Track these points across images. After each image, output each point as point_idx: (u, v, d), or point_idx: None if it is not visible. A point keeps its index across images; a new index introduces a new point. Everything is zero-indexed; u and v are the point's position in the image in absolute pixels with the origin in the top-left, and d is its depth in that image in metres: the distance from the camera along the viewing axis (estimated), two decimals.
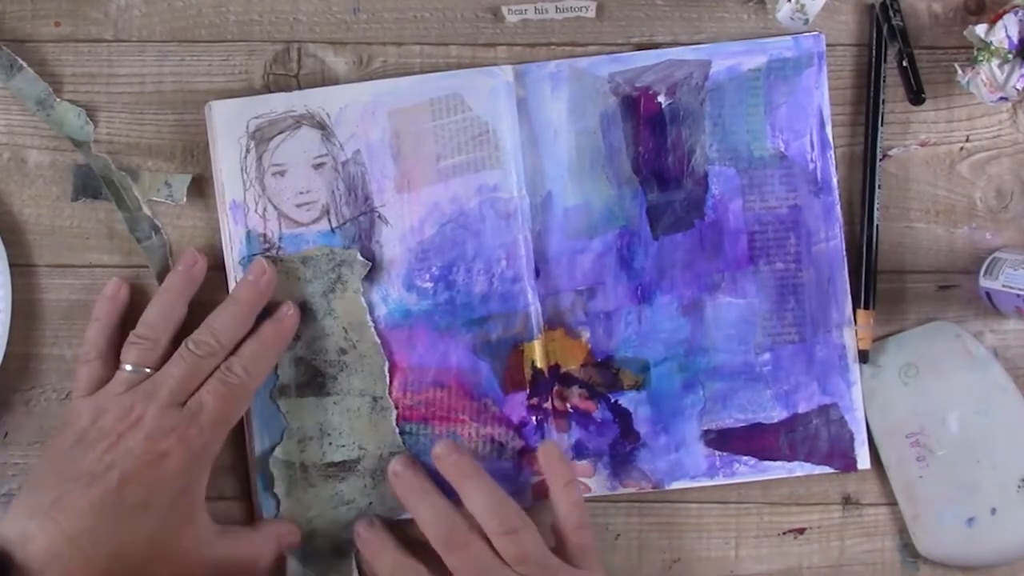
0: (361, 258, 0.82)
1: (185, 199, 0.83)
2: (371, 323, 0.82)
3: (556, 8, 0.83)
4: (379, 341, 0.82)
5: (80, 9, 0.84)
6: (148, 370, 0.78)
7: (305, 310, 0.82)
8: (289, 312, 0.81)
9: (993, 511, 0.82)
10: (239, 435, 0.83)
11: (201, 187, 0.84)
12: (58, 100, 0.83)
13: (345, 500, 0.83)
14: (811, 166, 0.83)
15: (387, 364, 0.82)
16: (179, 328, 0.80)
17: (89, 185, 0.84)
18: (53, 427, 0.83)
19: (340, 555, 0.83)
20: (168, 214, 0.84)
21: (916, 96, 0.81)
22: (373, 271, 0.82)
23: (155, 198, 0.83)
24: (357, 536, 0.82)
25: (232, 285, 0.82)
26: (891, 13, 0.82)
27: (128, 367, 0.78)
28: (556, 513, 0.80)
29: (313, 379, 0.83)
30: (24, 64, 0.83)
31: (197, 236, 0.84)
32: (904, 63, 0.81)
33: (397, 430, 0.83)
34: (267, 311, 0.81)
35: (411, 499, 0.80)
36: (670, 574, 0.85)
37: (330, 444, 0.83)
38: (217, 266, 0.83)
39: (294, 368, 0.83)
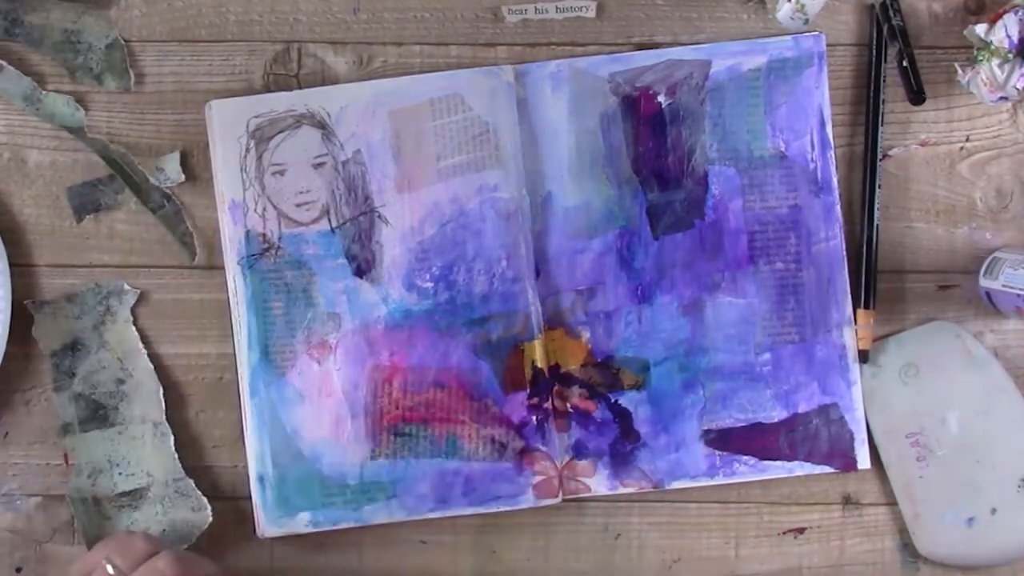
0: (127, 287, 0.82)
1: (183, 176, 0.83)
2: (143, 350, 0.83)
3: (556, 8, 0.83)
4: (152, 367, 0.83)
5: None
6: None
7: (78, 346, 0.83)
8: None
9: (993, 511, 0.82)
10: (237, 437, 0.84)
11: (201, 187, 0.84)
12: (44, 92, 0.83)
13: (141, 528, 0.83)
14: (811, 166, 0.83)
15: (161, 390, 0.83)
16: None
17: (87, 201, 0.84)
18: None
19: None
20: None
21: (916, 96, 0.81)
22: (373, 271, 0.82)
23: (163, 185, 0.83)
24: None
25: (231, 285, 0.83)
26: (891, 13, 0.82)
27: (109, 568, 0.74)
28: None
29: (95, 412, 0.83)
30: (3, 63, 0.83)
31: (197, 236, 0.84)
32: (904, 63, 0.81)
33: (176, 456, 0.83)
34: None
35: None
36: (670, 574, 0.85)
37: (120, 474, 0.83)
38: (217, 266, 0.83)
39: (74, 405, 0.83)
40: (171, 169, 0.83)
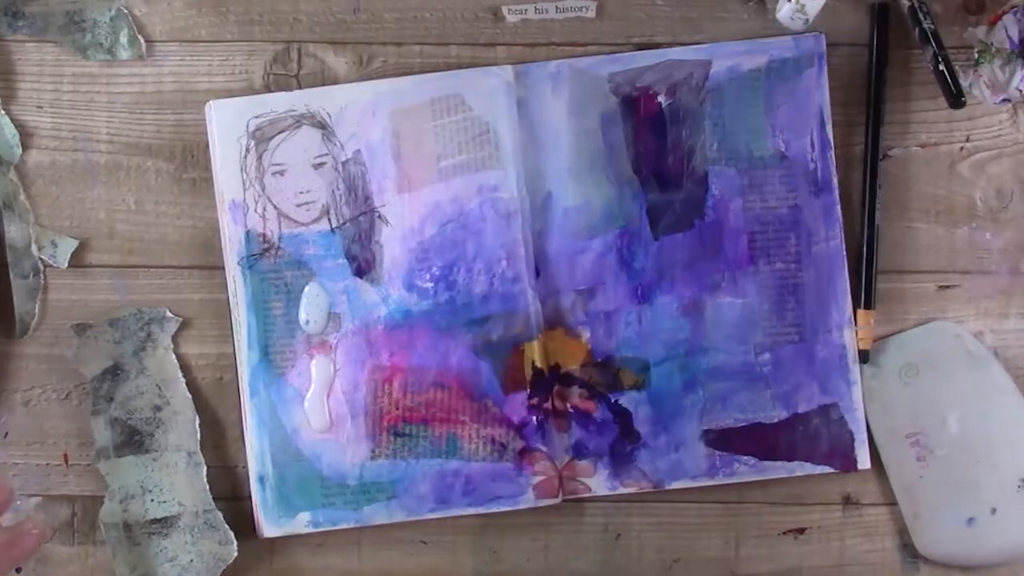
0: (170, 314, 0.82)
1: (67, 264, 0.84)
2: (182, 379, 0.83)
3: (556, 8, 0.83)
4: (190, 396, 0.83)
5: None
6: None
7: (118, 371, 0.83)
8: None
9: (993, 511, 0.82)
10: (237, 437, 0.84)
11: (201, 187, 0.84)
12: (2, 112, 0.83)
13: (169, 557, 0.83)
14: (811, 166, 0.83)
15: (198, 420, 0.83)
16: None
17: None
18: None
19: None
20: (168, 214, 0.84)
21: (956, 100, 0.79)
22: (373, 271, 0.82)
23: (40, 255, 0.84)
24: None
25: (231, 285, 0.83)
26: (921, 16, 0.81)
27: None
28: None
29: (131, 438, 0.83)
30: None
31: (197, 236, 0.84)
32: (940, 67, 0.80)
33: (207, 487, 0.83)
34: None
35: None
36: (670, 574, 0.85)
37: (152, 501, 0.83)
38: (217, 266, 0.83)
39: (111, 429, 0.83)
40: (61, 252, 0.83)
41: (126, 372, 0.83)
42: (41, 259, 0.83)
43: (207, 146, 0.83)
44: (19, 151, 0.83)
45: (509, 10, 0.83)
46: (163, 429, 0.83)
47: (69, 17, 0.83)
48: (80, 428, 0.84)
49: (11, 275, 0.83)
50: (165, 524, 0.83)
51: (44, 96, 0.84)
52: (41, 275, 0.84)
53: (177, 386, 0.83)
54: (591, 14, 0.83)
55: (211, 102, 0.83)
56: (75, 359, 0.83)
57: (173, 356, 0.83)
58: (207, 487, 0.83)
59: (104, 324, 0.83)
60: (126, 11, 0.83)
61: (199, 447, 0.83)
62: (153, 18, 0.84)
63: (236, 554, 0.83)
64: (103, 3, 0.83)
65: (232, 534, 0.83)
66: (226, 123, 0.82)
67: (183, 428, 0.83)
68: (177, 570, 0.83)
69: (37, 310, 0.84)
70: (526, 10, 0.83)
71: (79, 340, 0.83)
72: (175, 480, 0.83)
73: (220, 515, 0.83)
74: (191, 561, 0.83)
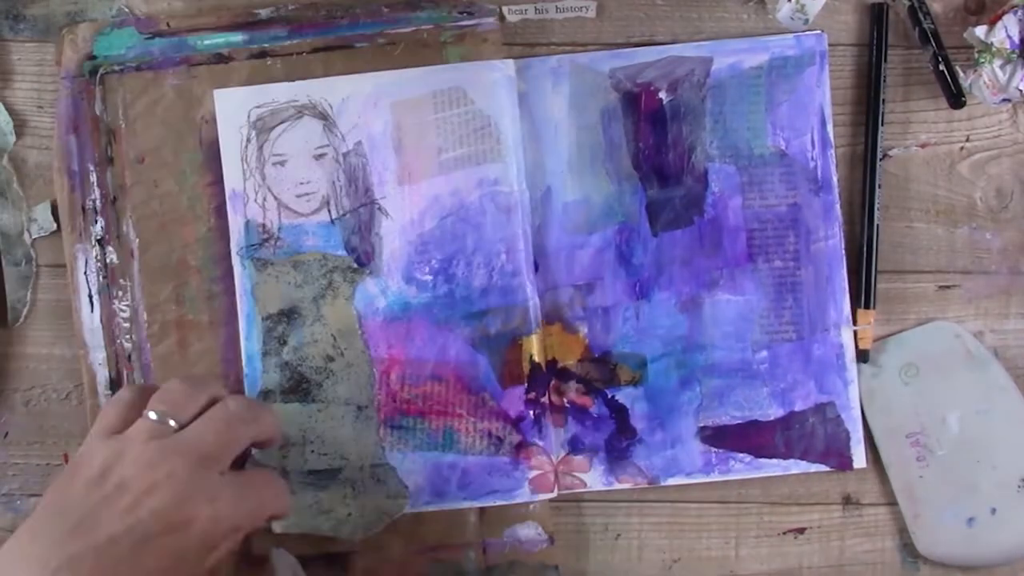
0: (355, 264, 0.82)
1: (55, 225, 0.84)
2: (361, 331, 0.82)
3: (556, 8, 0.84)
4: (367, 350, 0.82)
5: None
6: (173, 424, 0.68)
7: (294, 315, 0.82)
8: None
9: (993, 511, 0.81)
10: None
11: None
12: None
13: (324, 509, 0.82)
14: (811, 164, 0.83)
15: (375, 374, 0.82)
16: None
17: None
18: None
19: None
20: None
21: (956, 100, 0.80)
22: (372, 263, 0.82)
23: (34, 235, 0.84)
24: None
25: (237, 273, 0.83)
26: (920, 16, 0.81)
27: (152, 415, 0.68)
28: None
29: (298, 385, 0.82)
30: None
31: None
32: (940, 67, 0.81)
33: (380, 442, 0.82)
34: None
35: None
36: (670, 574, 0.85)
37: (312, 452, 0.82)
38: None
39: (280, 373, 0.82)
40: (43, 219, 0.84)
41: (303, 317, 0.82)
42: (27, 243, 0.84)
43: None
44: (13, 138, 0.84)
45: (509, 10, 0.84)
46: (333, 380, 0.82)
47: (70, 18, 0.84)
48: (81, 428, 0.84)
49: (3, 262, 0.84)
50: (323, 476, 0.82)
51: (44, 96, 0.85)
52: (33, 263, 0.84)
53: (354, 339, 0.82)
54: (591, 14, 0.84)
55: (214, 91, 0.83)
56: (255, 294, 0.82)
57: (353, 308, 0.82)
58: (379, 442, 0.82)
59: (287, 264, 0.82)
60: (127, 11, 0.84)
61: (373, 402, 0.82)
62: None
63: (407, 507, 0.82)
64: (103, 3, 0.84)
65: (406, 488, 0.82)
66: (227, 113, 0.82)
67: (355, 381, 0.82)
68: (332, 523, 0.82)
69: (29, 298, 0.84)
70: (526, 10, 0.84)
71: (259, 275, 0.82)
72: (339, 434, 0.82)
73: (393, 469, 0.82)
74: (349, 515, 0.82)
